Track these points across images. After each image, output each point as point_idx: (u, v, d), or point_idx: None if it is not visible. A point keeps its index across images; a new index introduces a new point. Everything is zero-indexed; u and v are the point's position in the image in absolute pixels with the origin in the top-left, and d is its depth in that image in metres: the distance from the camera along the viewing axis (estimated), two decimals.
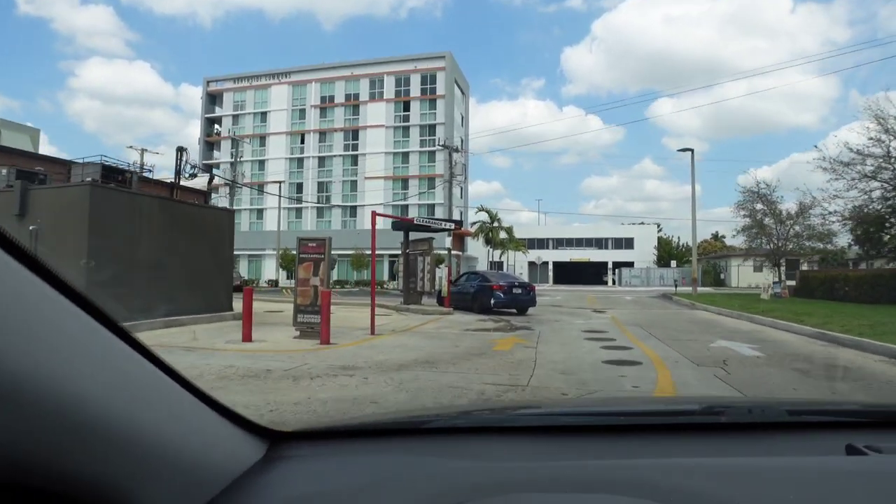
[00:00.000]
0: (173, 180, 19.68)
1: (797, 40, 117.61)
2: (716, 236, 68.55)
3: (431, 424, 1.25)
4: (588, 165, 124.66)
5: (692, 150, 26.83)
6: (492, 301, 15.72)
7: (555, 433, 1.13)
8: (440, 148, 42.56)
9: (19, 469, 0.48)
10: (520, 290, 16.15)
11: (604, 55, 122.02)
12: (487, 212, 44.21)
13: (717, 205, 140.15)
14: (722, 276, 51.09)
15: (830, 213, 23.31)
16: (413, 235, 17.57)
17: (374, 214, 10.94)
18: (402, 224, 16.97)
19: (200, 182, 22.94)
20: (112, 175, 13.97)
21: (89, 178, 12.03)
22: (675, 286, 31.90)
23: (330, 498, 0.84)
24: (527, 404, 2.66)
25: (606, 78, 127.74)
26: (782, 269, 30.45)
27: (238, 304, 18.87)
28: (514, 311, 16.38)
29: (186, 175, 20.28)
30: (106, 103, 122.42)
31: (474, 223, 48.26)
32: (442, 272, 16.26)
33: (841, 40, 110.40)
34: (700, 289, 33.26)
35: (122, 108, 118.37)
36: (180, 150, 19.60)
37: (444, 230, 16.88)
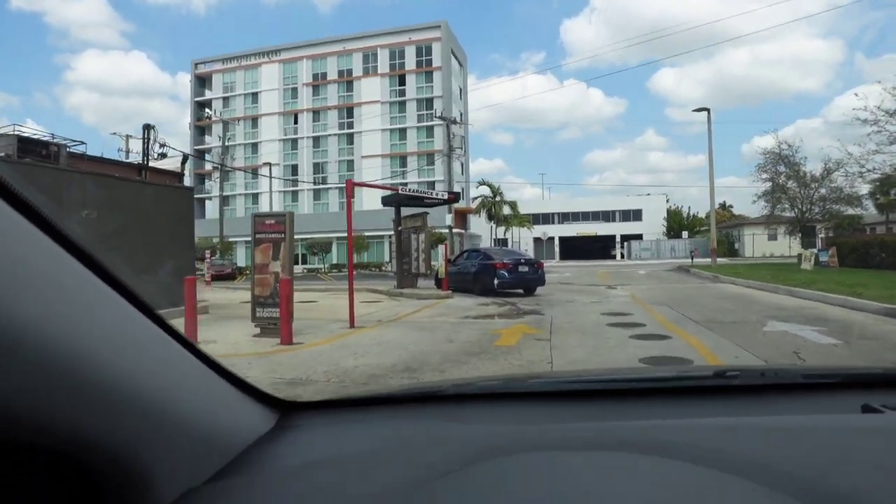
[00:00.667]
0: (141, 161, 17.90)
1: (801, 2, 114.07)
2: (723, 206, 66.28)
3: (441, 392, 1.25)
4: (590, 139, 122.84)
5: (708, 110, 24.76)
6: (495, 281, 13.93)
7: (565, 398, 1.13)
8: (438, 122, 40.42)
9: (22, 426, 0.48)
10: (526, 268, 14.34)
11: (603, 25, 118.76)
12: (489, 185, 41.90)
13: (724, 174, 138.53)
14: (736, 245, 49.03)
15: (867, 170, 21.23)
16: (406, 211, 15.78)
17: (349, 184, 9.11)
18: (393, 198, 15.12)
19: (182, 163, 21.05)
20: (32, 148, 12.19)
21: (2, 154, 10.25)
22: (692, 258, 29.99)
23: (339, 464, 0.82)
24: (537, 374, 3.07)
25: (606, 48, 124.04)
26: (799, 236, 28.63)
27: (215, 295, 17.44)
28: (521, 291, 14.62)
29: (155, 155, 18.45)
30: (104, 95, 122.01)
31: (476, 198, 46.12)
32: (438, 251, 14.43)
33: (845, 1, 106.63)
34: (718, 259, 31.41)
35: (121, 99, 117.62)
36: (147, 127, 17.77)
37: (438, 202, 15.01)
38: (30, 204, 0.50)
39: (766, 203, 27.20)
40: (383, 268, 37.66)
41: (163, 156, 18.47)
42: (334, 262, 42.46)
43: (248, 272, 39.40)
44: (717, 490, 0.65)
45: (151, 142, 18.05)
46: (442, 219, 36.96)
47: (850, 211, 26.12)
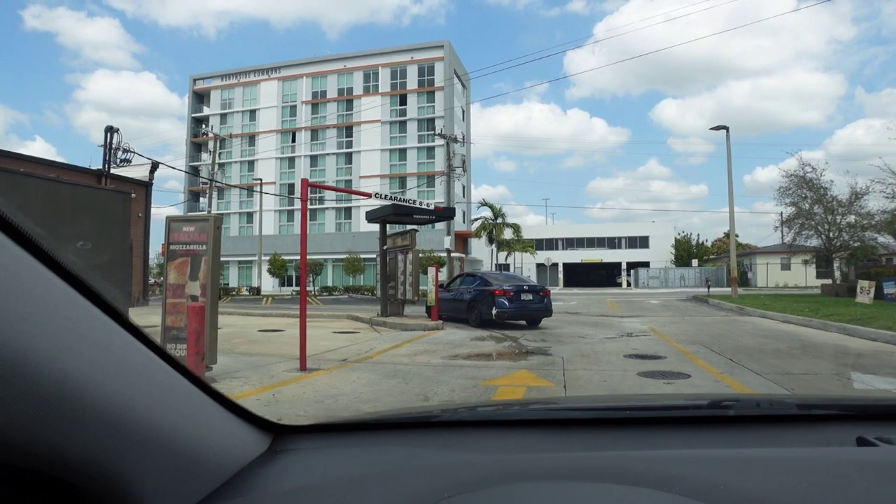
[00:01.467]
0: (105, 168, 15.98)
1: (801, 38, 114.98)
2: (727, 235, 64.29)
3: (436, 419, 1.24)
4: (593, 168, 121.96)
5: (727, 129, 22.88)
6: (493, 311, 11.87)
7: (560, 427, 1.11)
8: (439, 143, 38.55)
9: (5, 448, 0.47)
10: (530, 296, 12.28)
11: (606, 58, 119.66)
12: (490, 206, 39.79)
13: (725, 205, 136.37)
14: (749, 275, 46.82)
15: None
16: (394, 230, 13.78)
17: (304, 184, 7.08)
18: (378, 213, 13.14)
19: (150, 171, 19.10)
20: None
21: None
22: (707, 287, 27.84)
23: (332, 488, 0.82)
24: (534, 400, 2.97)
25: (610, 80, 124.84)
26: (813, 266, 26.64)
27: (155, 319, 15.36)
28: (524, 322, 12.54)
29: (118, 161, 16.56)
30: (113, 115, 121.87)
31: (476, 219, 44.06)
32: (429, 274, 12.39)
33: (846, 38, 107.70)
34: (727, 289, 29.22)
35: (129, 119, 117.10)
36: (110, 130, 15.90)
37: (429, 215, 12.97)
38: (6, 219, 0.50)
39: (788, 230, 25.15)
40: (375, 292, 35.53)
41: (126, 161, 16.65)
42: (328, 284, 40.26)
43: (233, 293, 37.40)
44: None
45: (115, 147, 16.17)
46: (440, 241, 35.06)
47: (882, 239, 24.01)
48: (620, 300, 26.38)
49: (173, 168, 51.13)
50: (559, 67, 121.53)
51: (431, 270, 12.33)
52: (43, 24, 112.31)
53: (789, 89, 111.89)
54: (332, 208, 53.21)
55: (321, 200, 53.59)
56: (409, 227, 13.42)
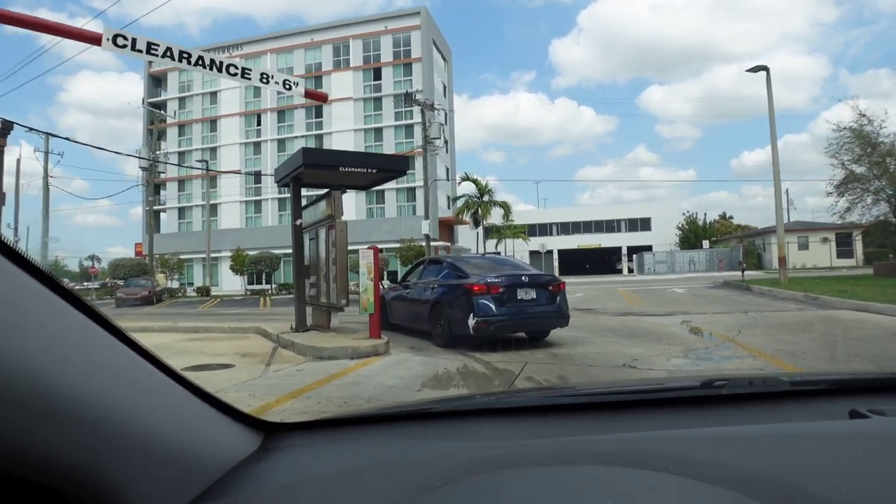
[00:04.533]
0: None
1: (786, 21, 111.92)
2: (724, 216, 59.92)
3: (426, 410, 1.22)
4: (582, 156, 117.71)
5: (767, 69, 18.18)
6: (471, 321, 7.06)
7: (554, 413, 1.11)
8: (417, 121, 33.01)
9: None
10: (532, 293, 7.46)
11: (592, 46, 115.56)
12: (475, 181, 34.31)
13: (715, 189, 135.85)
14: (768, 256, 42.23)
15: None
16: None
17: None
18: (289, 165, 8.28)
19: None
20: None
21: None
22: (742, 271, 23.10)
23: (325, 483, 0.81)
24: (529, 389, 2.95)
25: (596, 69, 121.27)
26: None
27: None
28: (523, 335, 7.80)
29: None
30: (98, 116, 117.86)
31: (459, 197, 38.82)
32: (361, 263, 7.50)
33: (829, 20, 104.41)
34: (749, 273, 24.60)
35: (113, 119, 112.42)
36: None
37: (365, 169, 7.97)
38: None
39: (839, 198, 20.45)
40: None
41: None
42: (283, 281, 34.87)
43: (179, 294, 32.33)
44: (707, 502, 0.64)
45: None
46: (419, 228, 30.17)
47: None
48: (636, 290, 21.65)
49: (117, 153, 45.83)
50: (545, 57, 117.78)
51: (367, 255, 7.45)
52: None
53: (774, 73, 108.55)
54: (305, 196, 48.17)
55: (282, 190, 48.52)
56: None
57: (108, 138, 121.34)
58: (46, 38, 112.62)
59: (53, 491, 0.53)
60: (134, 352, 0.68)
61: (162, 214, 55.05)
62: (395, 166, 8.54)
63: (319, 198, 8.33)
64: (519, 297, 7.32)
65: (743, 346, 7.14)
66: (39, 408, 0.48)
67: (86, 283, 50.87)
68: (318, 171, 7.93)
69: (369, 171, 7.94)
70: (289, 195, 9.15)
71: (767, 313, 11.00)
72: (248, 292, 31.22)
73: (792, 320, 9.83)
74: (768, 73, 18.31)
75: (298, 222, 8.49)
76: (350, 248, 7.96)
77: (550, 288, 7.57)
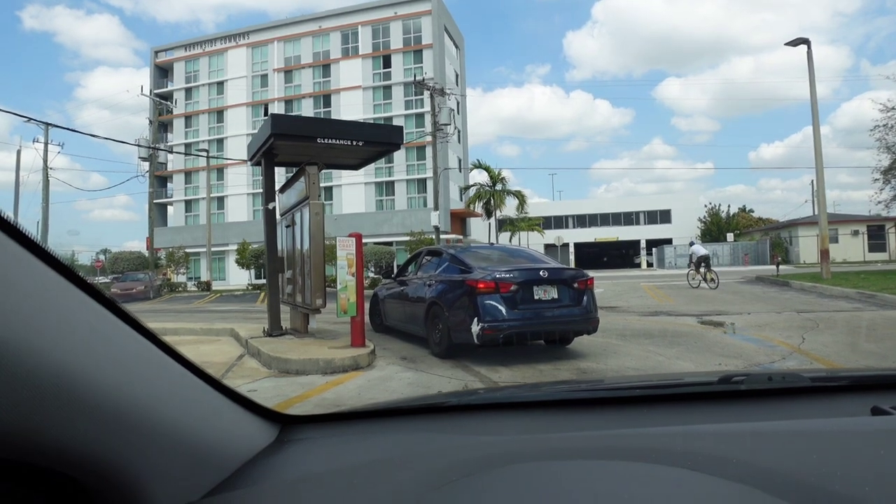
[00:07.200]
0: None
1: (806, 12, 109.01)
2: (744, 209, 57.70)
3: (443, 404, 1.21)
4: (597, 149, 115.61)
5: (808, 42, 16.47)
6: (475, 327, 5.64)
7: (571, 407, 1.09)
8: (428, 110, 31.37)
9: (9, 445, 0.47)
10: (553, 292, 5.98)
11: (607, 38, 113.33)
12: (487, 169, 32.54)
13: (732, 182, 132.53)
14: (796, 250, 40.21)
15: None
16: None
17: None
18: (259, 138, 6.93)
19: None
20: None
21: None
22: (777, 265, 21.39)
23: (340, 475, 0.81)
24: (545, 383, 2.72)
25: (611, 62, 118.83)
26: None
27: None
28: (541, 341, 6.38)
29: None
30: (114, 112, 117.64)
31: (471, 186, 37.17)
32: (339, 255, 6.08)
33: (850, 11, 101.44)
34: (767, 267, 22.83)
35: (130, 116, 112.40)
36: None
37: (345, 141, 6.54)
38: (6, 219, 0.50)
39: (884, 185, 18.71)
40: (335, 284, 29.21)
41: None
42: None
43: (180, 289, 31.28)
44: (723, 498, 0.63)
45: None
46: (429, 220, 28.74)
47: None
48: (660, 285, 20.12)
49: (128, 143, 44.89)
50: (559, 50, 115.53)
51: (349, 243, 6.04)
52: (41, 24, 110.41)
53: (793, 63, 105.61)
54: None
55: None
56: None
57: (125, 134, 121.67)
58: (62, 36, 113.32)
59: (75, 483, 0.53)
60: (152, 343, 0.67)
61: (169, 208, 54.31)
62: (386, 138, 7.07)
63: (295, 175, 6.97)
64: (536, 297, 5.87)
65: (817, 358, 5.68)
66: (62, 399, 0.48)
67: (98, 278, 50.35)
68: (292, 142, 6.53)
69: (354, 143, 6.52)
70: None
71: (821, 314, 9.46)
72: (250, 287, 30.00)
73: (860, 323, 8.30)
74: (809, 47, 16.58)
75: (271, 206, 7.14)
76: (364, 241, 6.56)
77: (575, 285, 6.08)
